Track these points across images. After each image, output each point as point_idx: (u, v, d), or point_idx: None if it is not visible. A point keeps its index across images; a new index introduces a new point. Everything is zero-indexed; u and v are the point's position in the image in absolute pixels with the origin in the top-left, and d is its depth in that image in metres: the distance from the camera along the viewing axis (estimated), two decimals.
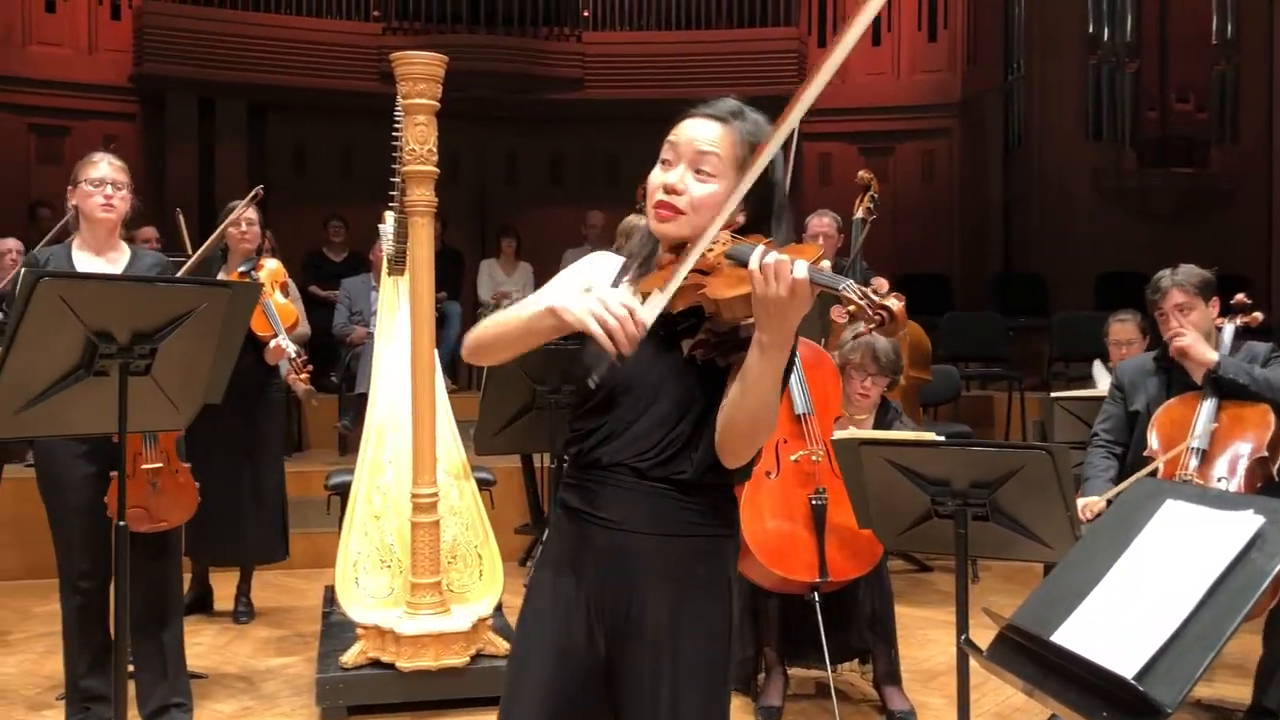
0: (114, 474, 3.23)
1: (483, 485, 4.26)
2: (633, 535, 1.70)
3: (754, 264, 1.53)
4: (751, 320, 1.58)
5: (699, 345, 1.67)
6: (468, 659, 3.54)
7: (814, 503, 3.34)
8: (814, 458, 3.38)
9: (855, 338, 3.53)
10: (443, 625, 3.52)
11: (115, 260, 3.37)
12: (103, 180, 3.30)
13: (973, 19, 10.42)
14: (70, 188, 3.36)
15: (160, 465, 3.41)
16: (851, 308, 1.48)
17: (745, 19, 10.59)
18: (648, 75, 10.20)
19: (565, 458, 1.81)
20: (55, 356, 2.35)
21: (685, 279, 1.60)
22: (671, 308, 1.63)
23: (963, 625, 2.54)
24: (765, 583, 3.37)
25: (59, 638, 3.68)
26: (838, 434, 3.13)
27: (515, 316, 1.73)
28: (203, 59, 9.80)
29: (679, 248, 1.69)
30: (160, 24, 9.83)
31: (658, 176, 1.73)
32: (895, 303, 1.46)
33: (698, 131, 1.72)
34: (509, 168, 10.97)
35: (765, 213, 1.75)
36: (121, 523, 2.50)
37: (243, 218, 4.64)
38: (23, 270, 2.30)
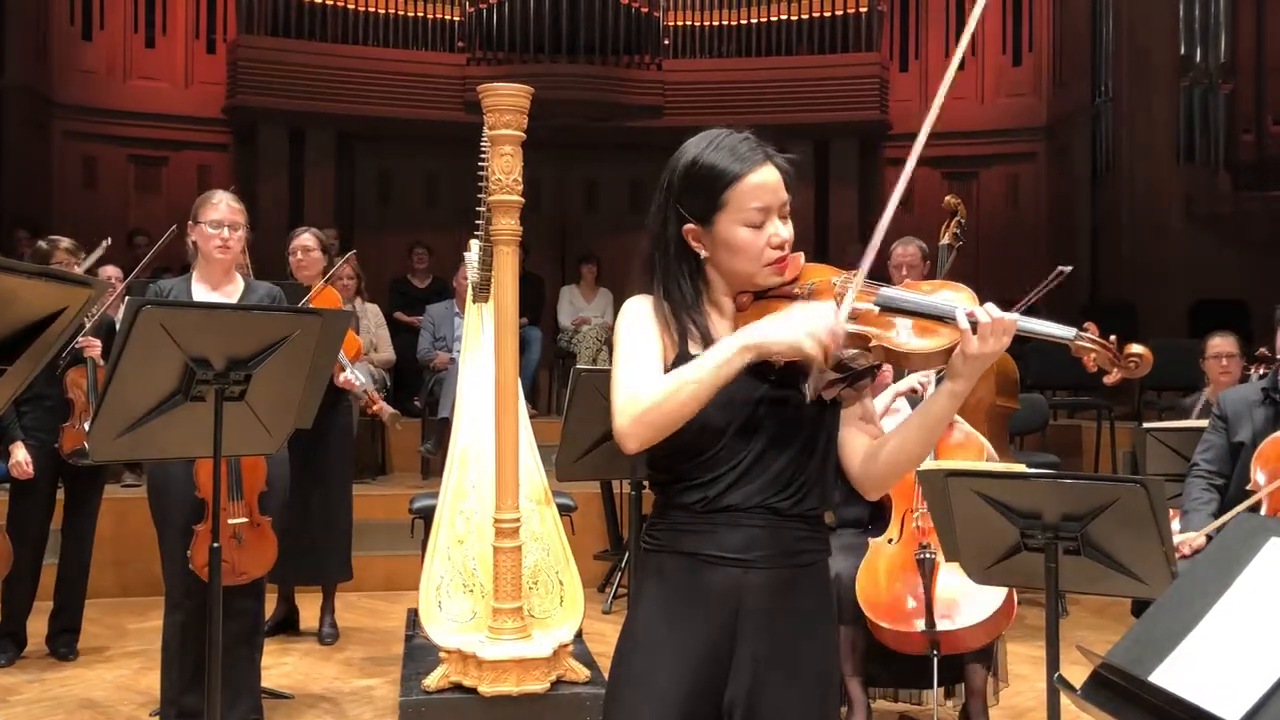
0: (197, 527, 3.37)
1: (563, 511, 4.27)
2: (767, 572, 1.73)
3: (963, 322, 1.59)
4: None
5: (832, 385, 1.69)
6: (548, 685, 3.55)
7: (919, 557, 3.38)
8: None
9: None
10: (524, 650, 3.53)
11: (230, 293, 3.55)
12: (220, 223, 3.48)
13: (1059, 41, 10.28)
14: (190, 224, 3.52)
15: (245, 519, 3.52)
16: (1092, 354, 1.55)
17: (826, 45, 10.56)
18: (728, 102, 10.22)
19: (673, 504, 1.75)
20: (155, 382, 2.42)
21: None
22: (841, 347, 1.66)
23: (1054, 662, 2.48)
24: (885, 641, 3.40)
25: (153, 654, 3.79)
26: (924, 465, 3.10)
27: (696, 379, 1.63)
28: (292, 90, 10.09)
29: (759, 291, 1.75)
30: (252, 57, 10.14)
31: (757, 237, 1.73)
32: (1140, 348, 1.56)
33: (772, 179, 1.75)
34: (589, 195, 11.07)
35: None
36: (216, 544, 2.56)
37: (299, 246, 4.77)
38: (128, 298, 2.37)
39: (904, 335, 1.62)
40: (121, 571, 5.53)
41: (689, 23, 10.72)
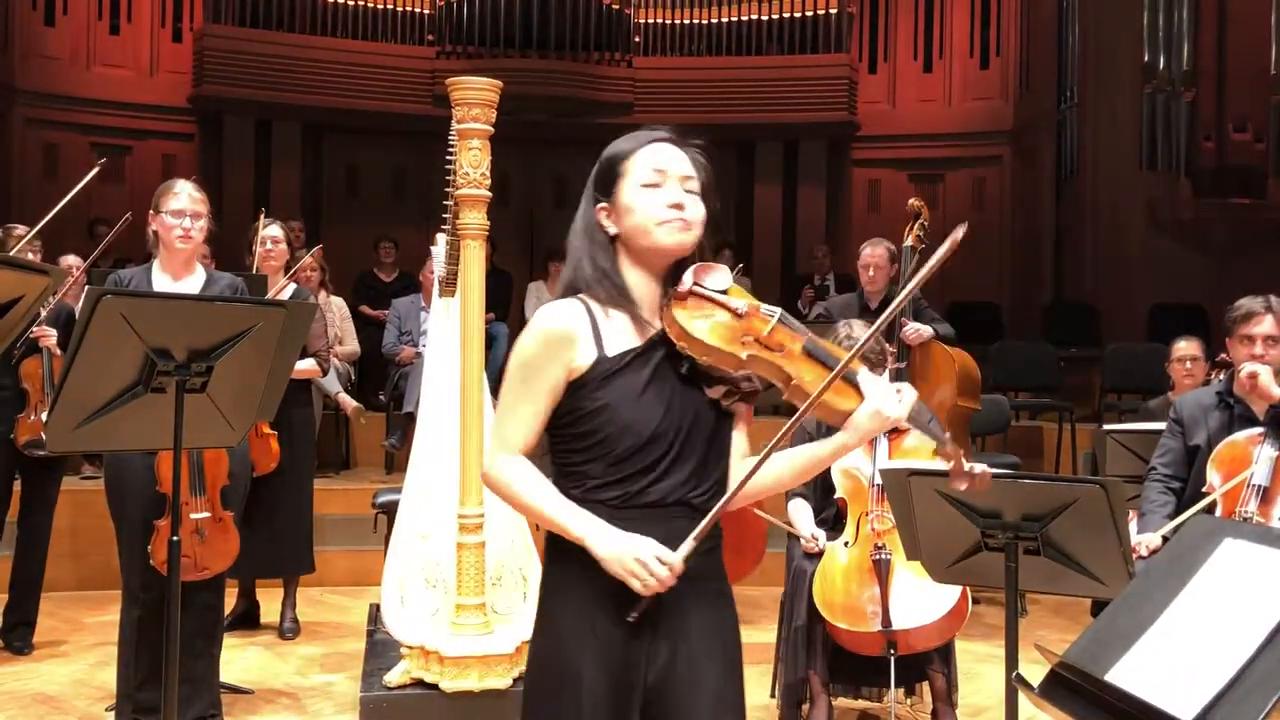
0: (157, 522, 3.34)
1: None
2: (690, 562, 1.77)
3: (873, 397, 1.75)
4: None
5: (730, 395, 1.83)
6: (510, 681, 3.54)
7: (874, 558, 3.41)
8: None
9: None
10: (487, 647, 3.52)
11: (192, 284, 3.50)
12: (182, 212, 3.43)
13: (1026, 46, 10.37)
14: (151, 213, 3.48)
15: (207, 514, 3.49)
16: (950, 461, 1.83)
17: (796, 45, 10.60)
18: (697, 101, 10.24)
19: (588, 500, 1.79)
20: (115, 373, 2.39)
21: (759, 351, 1.76)
22: (727, 366, 1.77)
23: (1012, 661, 2.50)
24: (842, 642, 3.44)
25: (110, 649, 3.75)
26: (884, 464, 3.13)
27: (537, 509, 1.80)
28: (260, 81, 10.00)
29: (674, 274, 1.85)
30: (219, 46, 10.04)
31: (654, 195, 1.81)
32: (981, 467, 1.88)
33: (671, 151, 1.85)
34: (558, 191, 11.04)
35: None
36: (175, 538, 2.54)
37: (267, 237, 4.74)
38: (87, 288, 2.34)
39: (817, 387, 1.74)
40: (79, 564, 5.46)
41: (660, 20, 10.72)
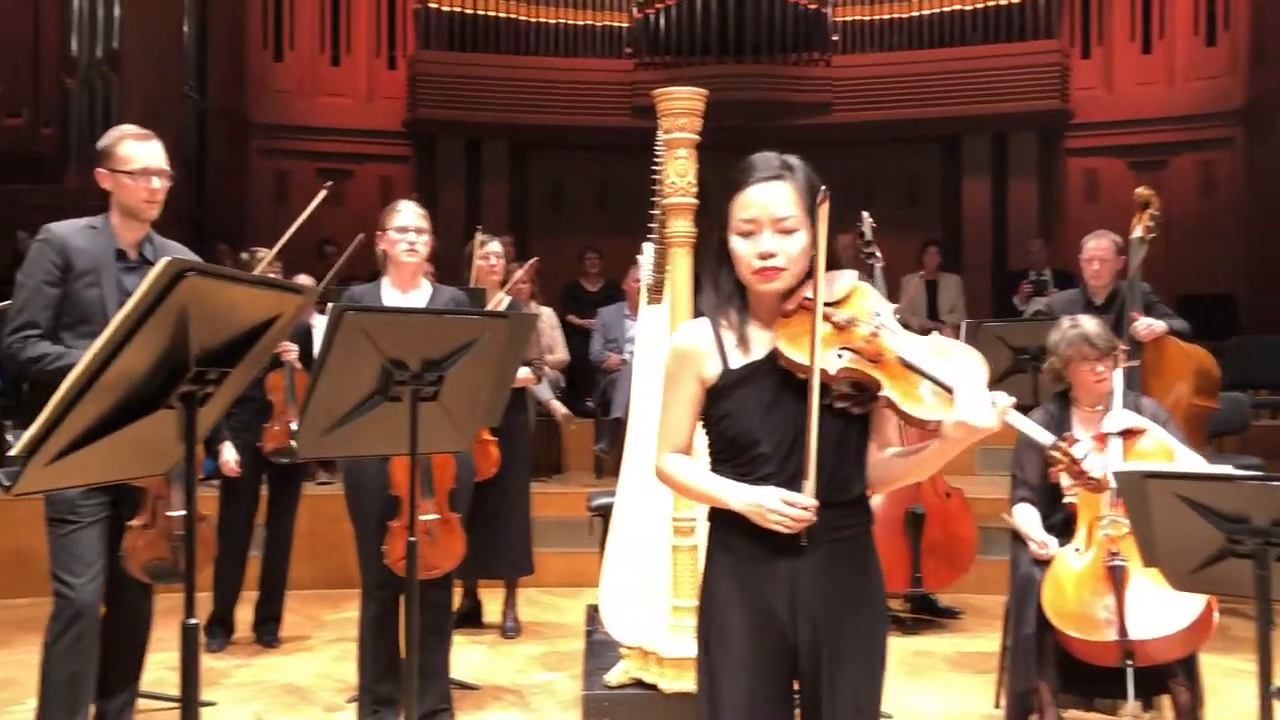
0: (391, 523, 3.53)
1: None
2: (816, 549, 1.95)
3: (964, 408, 1.82)
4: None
5: (844, 399, 1.95)
6: None
7: (1109, 565, 3.27)
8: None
9: (1065, 332, 3.54)
10: None
11: (418, 297, 3.71)
12: (406, 228, 3.64)
13: (1258, 17, 9.66)
14: (379, 233, 3.69)
15: (436, 516, 3.66)
16: (1060, 466, 1.88)
17: (1002, 34, 10.23)
18: (899, 96, 10.05)
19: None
20: (356, 383, 2.55)
21: (851, 362, 1.90)
22: (835, 379, 1.91)
23: (1266, 675, 2.35)
24: (1074, 651, 3.31)
25: (348, 644, 3.98)
26: (1122, 465, 2.98)
27: (700, 490, 2.02)
28: (469, 103, 10.44)
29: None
30: (430, 71, 10.54)
31: (746, 247, 1.96)
32: (1101, 472, 1.90)
33: (765, 196, 1.96)
34: None
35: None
36: (413, 538, 2.68)
37: (490, 252, 4.93)
38: (330, 305, 2.51)
39: (915, 401, 1.86)
40: (316, 564, 5.82)
41: (858, 17, 10.57)
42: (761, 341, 1.98)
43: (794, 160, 2.02)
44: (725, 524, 2.01)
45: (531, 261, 5.20)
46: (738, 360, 1.99)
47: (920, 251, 8.98)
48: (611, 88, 10.56)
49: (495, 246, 5.01)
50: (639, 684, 3.62)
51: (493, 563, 4.90)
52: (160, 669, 3.85)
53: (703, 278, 2.10)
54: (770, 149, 2.08)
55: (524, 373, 4.70)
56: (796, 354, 1.91)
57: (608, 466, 6.64)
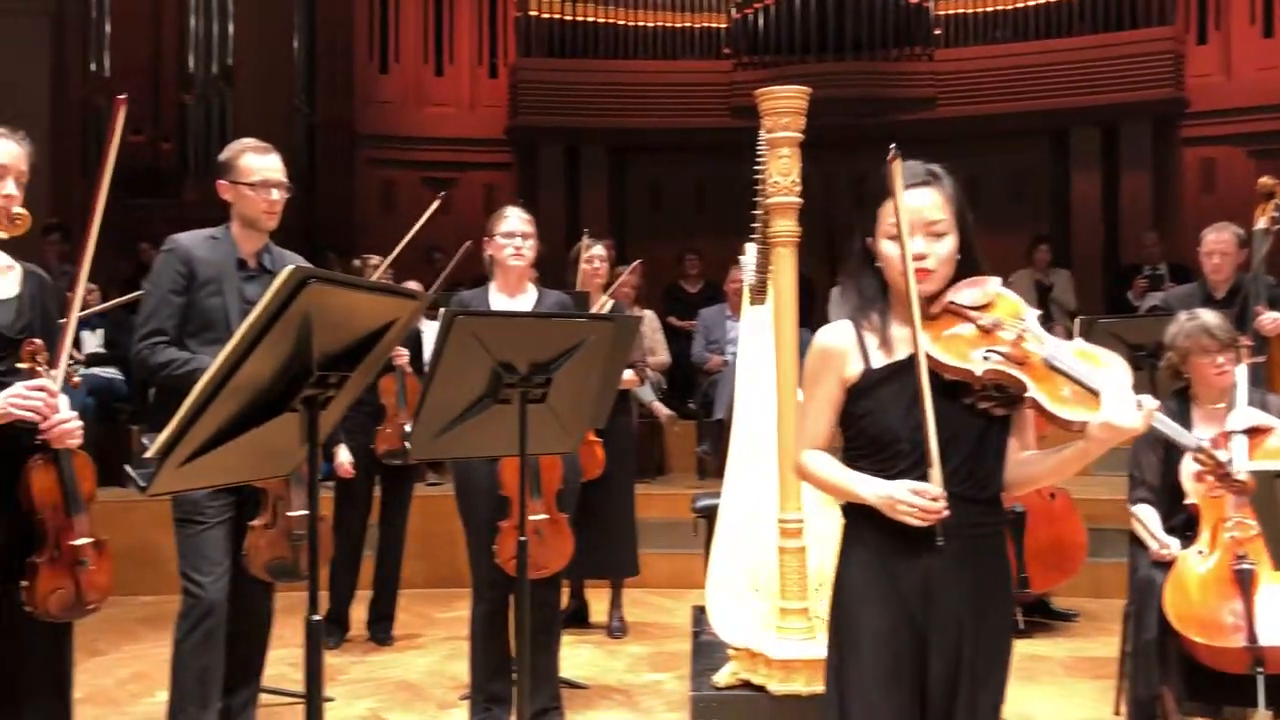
0: (501, 523, 3.58)
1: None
2: (949, 544, 1.97)
3: (1109, 409, 1.84)
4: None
5: (985, 400, 1.99)
6: None
7: (1236, 569, 3.16)
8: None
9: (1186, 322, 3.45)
10: (813, 651, 3.52)
11: (525, 301, 3.77)
12: (513, 234, 3.71)
13: None
14: (486, 239, 3.78)
15: (544, 516, 3.70)
16: (1206, 469, 1.95)
17: (1112, 22, 9.92)
18: (1004, 89, 9.83)
19: None
20: (467, 385, 2.60)
21: (997, 364, 1.94)
22: (981, 380, 1.95)
23: None
24: (1200, 658, 3.21)
25: (459, 643, 4.06)
26: (1249, 465, 2.87)
27: (835, 484, 2.10)
28: (569, 108, 10.52)
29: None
30: (530, 78, 10.66)
31: (899, 250, 2.00)
32: (1246, 475, 1.92)
33: (913, 201, 2.02)
34: (858, 193, 10.88)
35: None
36: (523, 538, 2.72)
37: (595, 256, 4.99)
38: (441, 311, 2.56)
39: (1058, 400, 1.89)
40: (427, 564, 5.94)
41: (961, 10, 10.36)
42: (904, 342, 2.04)
43: (937, 168, 2.11)
44: (860, 518, 2.06)
45: (636, 264, 5.25)
46: (879, 360, 2.06)
47: (1030, 248, 8.77)
48: (710, 89, 10.54)
49: (599, 250, 5.08)
50: (747, 685, 3.61)
51: (599, 563, 4.94)
52: (280, 665, 3.97)
53: (842, 281, 2.19)
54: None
55: (628, 375, 4.73)
56: (943, 354, 1.96)
57: (710, 468, 6.64)
